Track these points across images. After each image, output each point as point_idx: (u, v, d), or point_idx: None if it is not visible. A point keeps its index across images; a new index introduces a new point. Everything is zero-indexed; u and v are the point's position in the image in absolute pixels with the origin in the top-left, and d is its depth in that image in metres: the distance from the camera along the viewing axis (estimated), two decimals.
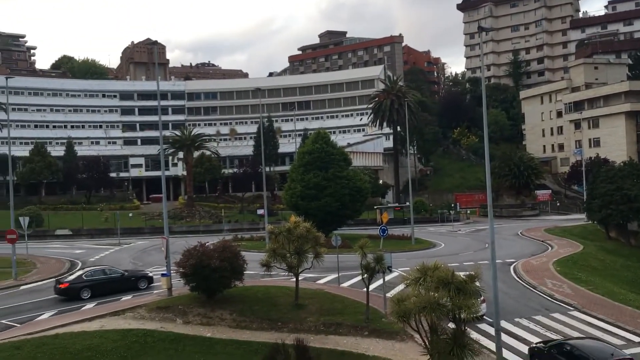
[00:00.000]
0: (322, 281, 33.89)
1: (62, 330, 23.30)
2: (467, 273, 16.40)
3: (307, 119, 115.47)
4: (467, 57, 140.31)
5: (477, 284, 16.01)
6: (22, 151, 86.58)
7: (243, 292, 28.01)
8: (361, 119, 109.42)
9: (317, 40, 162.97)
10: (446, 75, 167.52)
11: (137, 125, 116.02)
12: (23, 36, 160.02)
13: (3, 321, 26.17)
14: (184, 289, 28.18)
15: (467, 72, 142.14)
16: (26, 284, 35.85)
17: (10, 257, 38.10)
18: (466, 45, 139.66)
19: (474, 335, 22.11)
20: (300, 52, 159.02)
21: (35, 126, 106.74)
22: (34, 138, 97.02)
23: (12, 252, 37.79)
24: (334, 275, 34.01)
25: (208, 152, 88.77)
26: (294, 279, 27.60)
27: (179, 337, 23.58)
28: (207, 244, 27.78)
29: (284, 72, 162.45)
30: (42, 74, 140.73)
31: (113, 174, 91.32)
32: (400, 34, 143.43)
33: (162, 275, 30.01)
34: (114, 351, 21.51)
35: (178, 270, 27.22)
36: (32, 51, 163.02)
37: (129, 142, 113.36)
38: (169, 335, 23.59)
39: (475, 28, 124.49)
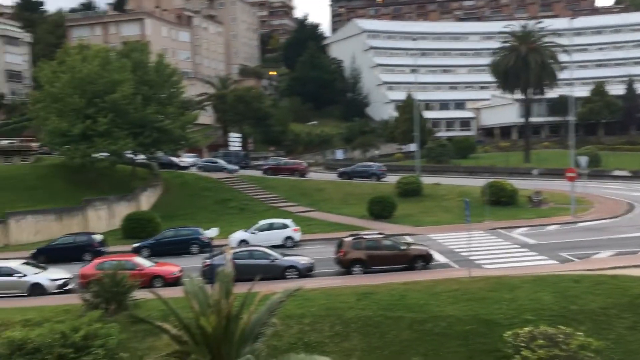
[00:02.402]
0: None
1: (621, 272, 22.99)
2: None
3: None
4: None
5: None
6: (581, 91, 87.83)
7: None
8: None
9: None
10: None
11: None
12: None
13: (562, 254, 27.76)
14: None
15: None
16: (583, 221, 36.81)
17: (569, 194, 39.78)
18: None
19: None
20: None
21: (596, 66, 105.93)
22: (593, 78, 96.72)
23: (571, 190, 39.34)
24: None
25: None
26: None
27: None
28: None
29: None
30: (604, 11, 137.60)
31: None
32: None
33: None
34: None
35: None
36: None
37: None
38: None
39: None
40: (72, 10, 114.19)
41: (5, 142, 54.90)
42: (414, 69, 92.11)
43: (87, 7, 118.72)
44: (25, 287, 26.23)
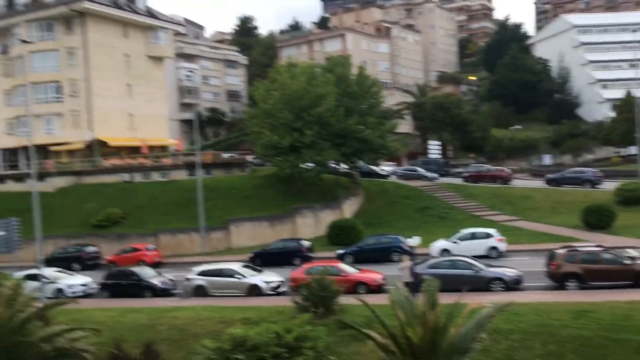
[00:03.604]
0: None
1: None
2: None
3: None
4: None
5: None
6: None
7: None
8: None
9: None
10: None
11: None
12: None
13: None
14: None
15: None
16: None
17: None
18: None
19: None
20: None
21: None
22: None
23: None
24: None
25: None
26: None
27: None
28: None
29: None
30: None
31: None
32: None
33: None
34: None
35: None
36: None
37: None
38: None
39: None
40: (282, 32, 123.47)
41: (226, 156, 61.08)
42: (634, 64, 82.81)
43: (294, 27, 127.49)
44: (244, 287, 28.67)
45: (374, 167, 59.42)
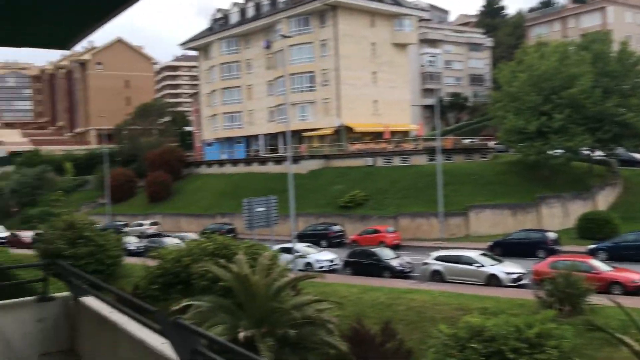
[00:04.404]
0: None
1: None
2: None
3: None
4: None
5: None
6: None
7: None
8: None
9: None
10: None
11: None
12: None
13: None
14: None
15: None
16: None
17: None
18: None
19: None
20: None
21: None
22: None
23: None
24: None
25: None
26: None
27: None
28: None
29: None
30: None
31: None
32: None
33: None
34: None
35: None
36: None
37: None
38: None
39: None
40: (531, 10, 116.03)
41: (467, 141, 59.92)
42: None
43: (546, 4, 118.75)
44: (483, 276, 27.93)
45: (637, 155, 52.78)
